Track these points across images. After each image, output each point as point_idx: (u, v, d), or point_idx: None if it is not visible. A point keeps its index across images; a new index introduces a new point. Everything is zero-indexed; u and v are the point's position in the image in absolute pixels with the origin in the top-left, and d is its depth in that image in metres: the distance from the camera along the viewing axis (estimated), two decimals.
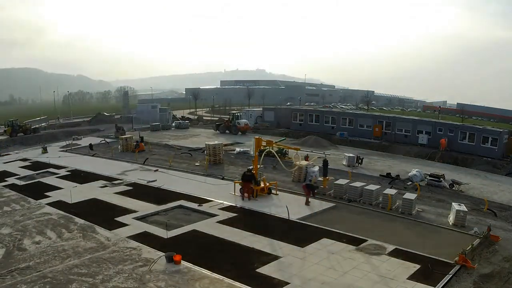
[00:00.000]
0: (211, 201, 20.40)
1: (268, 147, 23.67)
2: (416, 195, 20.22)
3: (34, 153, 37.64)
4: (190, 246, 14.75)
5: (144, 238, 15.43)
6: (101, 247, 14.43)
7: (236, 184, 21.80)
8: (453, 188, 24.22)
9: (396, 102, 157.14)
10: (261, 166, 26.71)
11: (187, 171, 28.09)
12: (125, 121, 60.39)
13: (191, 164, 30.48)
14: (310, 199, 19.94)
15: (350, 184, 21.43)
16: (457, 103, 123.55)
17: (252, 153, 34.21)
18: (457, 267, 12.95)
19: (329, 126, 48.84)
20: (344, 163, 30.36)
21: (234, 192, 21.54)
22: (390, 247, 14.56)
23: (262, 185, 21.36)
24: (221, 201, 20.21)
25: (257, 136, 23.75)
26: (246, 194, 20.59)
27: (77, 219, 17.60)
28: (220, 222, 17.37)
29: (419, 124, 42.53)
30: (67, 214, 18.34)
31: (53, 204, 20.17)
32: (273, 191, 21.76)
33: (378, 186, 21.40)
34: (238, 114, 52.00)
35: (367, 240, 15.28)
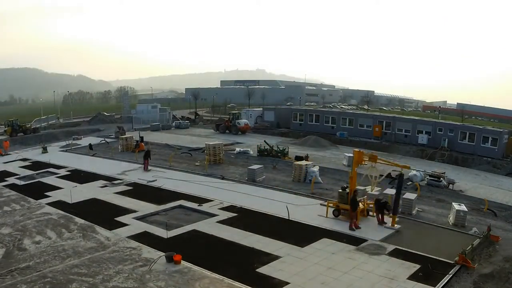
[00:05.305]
0: (211, 200, 20.42)
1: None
2: (416, 195, 20.24)
3: (34, 153, 37.67)
4: (190, 246, 14.77)
5: (144, 238, 15.44)
6: (101, 247, 14.43)
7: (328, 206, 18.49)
8: (449, 187, 24.27)
9: (396, 102, 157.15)
10: (261, 166, 26.71)
11: (188, 171, 28.08)
12: (125, 121, 60.48)
13: (191, 164, 30.47)
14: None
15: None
16: (457, 103, 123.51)
17: (251, 152, 34.28)
18: (457, 267, 12.96)
19: (329, 126, 48.83)
20: (344, 163, 30.37)
21: (327, 215, 18.28)
22: (390, 247, 14.58)
23: (361, 206, 17.66)
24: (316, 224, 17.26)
25: (356, 150, 18.81)
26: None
27: (77, 219, 17.61)
28: (220, 222, 17.38)
29: (419, 124, 42.58)
30: (67, 214, 18.36)
31: (53, 204, 20.19)
32: (370, 213, 18.28)
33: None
34: (238, 114, 52.00)
35: (367, 240, 15.31)
